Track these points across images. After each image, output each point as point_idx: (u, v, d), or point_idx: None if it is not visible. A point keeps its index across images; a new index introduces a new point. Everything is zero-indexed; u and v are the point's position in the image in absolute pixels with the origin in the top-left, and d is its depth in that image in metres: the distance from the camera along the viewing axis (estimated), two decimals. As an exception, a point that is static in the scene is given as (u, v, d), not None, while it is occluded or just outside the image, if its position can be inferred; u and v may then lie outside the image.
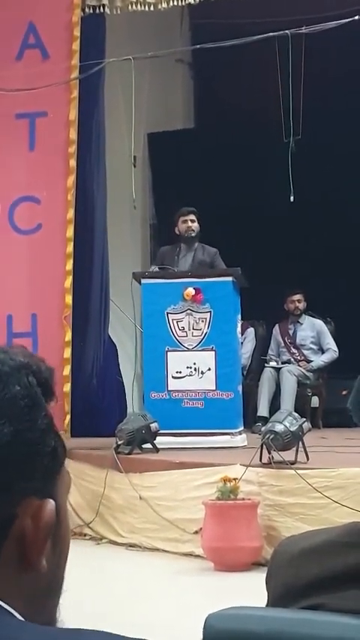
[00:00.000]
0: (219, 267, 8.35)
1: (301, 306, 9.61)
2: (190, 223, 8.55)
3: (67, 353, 8.26)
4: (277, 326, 9.73)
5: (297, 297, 9.60)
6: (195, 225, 8.55)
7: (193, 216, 8.57)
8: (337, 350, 9.44)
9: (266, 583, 1.79)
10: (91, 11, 8.47)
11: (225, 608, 1.69)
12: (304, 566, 1.69)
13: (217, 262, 8.50)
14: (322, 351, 9.54)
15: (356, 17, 7.51)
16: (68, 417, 8.24)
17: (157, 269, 8.35)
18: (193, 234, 8.54)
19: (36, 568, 0.88)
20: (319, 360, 9.43)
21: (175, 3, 8.23)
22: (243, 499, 6.06)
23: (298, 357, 9.50)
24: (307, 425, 6.69)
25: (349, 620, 1.55)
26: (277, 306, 9.65)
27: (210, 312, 7.71)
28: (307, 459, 6.41)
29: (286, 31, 7.74)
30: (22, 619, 0.85)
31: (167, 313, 7.74)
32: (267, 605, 1.73)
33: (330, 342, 9.50)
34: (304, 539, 1.82)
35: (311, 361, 9.45)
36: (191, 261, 8.54)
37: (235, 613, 1.69)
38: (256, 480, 6.21)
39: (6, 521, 0.87)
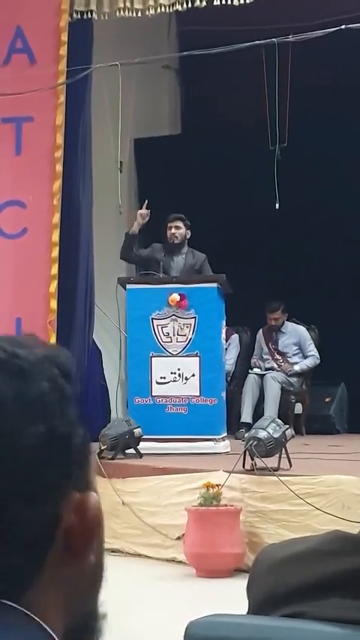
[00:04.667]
0: (206, 273, 8.38)
1: (279, 322, 9.61)
2: (174, 230, 8.57)
3: (52, 358, 8.23)
4: (260, 331, 9.75)
5: (275, 315, 9.59)
6: (179, 232, 8.56)
7: (179, 223, 8.58)
8: (319, 357, 9.47)
9: (247, 590, 1.80)
10: (79, 16, 8.46)
11: (206, 616, 1.70)
12: (285, 574, 1.69)
13: (205, 268, 8.52)
14: (305, 358, 9.56)
15: (342, 26, 7.55)
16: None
17: (143, 252, 8.43)
18: (176, 242, 8.56)
19: (84, 563, 0.85)
20: (302, 364, 9.46)
21: (163, 9, 8.23)
22: (225, 505, 6.06)
23: (282, 364, 9.52)
24: (290, 431, 6.70)
25: (328, 628, 1.56)
26: (262, 312, 9.66)
27: (195, 317, 7.72)
28: (290, 466, 6.42)
29: (273, 39, 7.76)
30: (53, 634, 0.81)
31: (152, 319, 7.75)
32: (248, 613, 1.74)
33: (312, 349, 9.52)
34: (285, 546, 1.83)
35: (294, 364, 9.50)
36: (182, 265, 8.56)
37: (216, 620, 1.70)
38: (238, 486, 6.22)
39: (52, 524, 0.83)
